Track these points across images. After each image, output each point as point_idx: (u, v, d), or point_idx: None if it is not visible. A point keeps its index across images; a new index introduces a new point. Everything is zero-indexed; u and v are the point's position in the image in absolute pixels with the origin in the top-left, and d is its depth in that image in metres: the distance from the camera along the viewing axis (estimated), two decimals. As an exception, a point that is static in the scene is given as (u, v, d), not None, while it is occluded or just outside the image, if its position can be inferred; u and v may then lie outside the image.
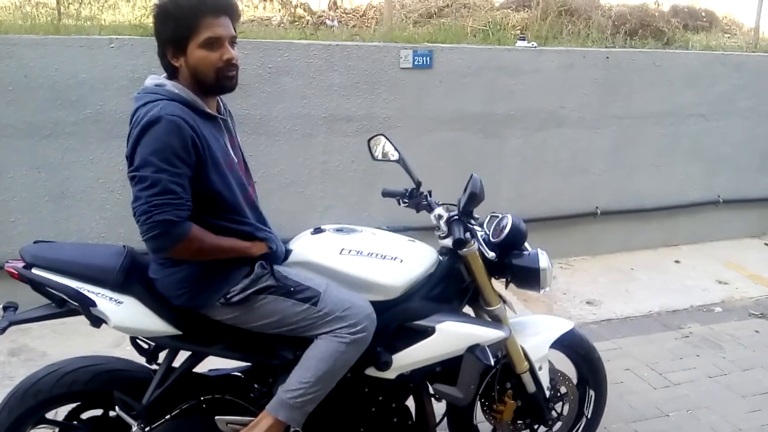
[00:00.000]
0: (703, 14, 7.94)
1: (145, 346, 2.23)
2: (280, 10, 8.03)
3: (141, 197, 1.83)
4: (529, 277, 2.35)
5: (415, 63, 4.49)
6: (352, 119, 4.45)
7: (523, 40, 5.04)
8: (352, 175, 4.52)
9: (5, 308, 2.04)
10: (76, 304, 1.96)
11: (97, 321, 2.02)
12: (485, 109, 4.81)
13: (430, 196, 2.47)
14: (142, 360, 2.24)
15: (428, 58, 4.51)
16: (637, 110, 5.29)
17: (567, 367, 2.70)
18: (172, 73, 2.01)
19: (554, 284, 4.83)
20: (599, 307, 4.49)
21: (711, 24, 7.94)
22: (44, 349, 3.63)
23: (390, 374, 2.21)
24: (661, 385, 3.51)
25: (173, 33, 1.94)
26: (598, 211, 5.35)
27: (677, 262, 5.40)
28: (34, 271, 1.98)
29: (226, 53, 1.95)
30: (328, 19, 7.38)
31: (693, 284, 4.94)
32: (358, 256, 2.19)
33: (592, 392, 2.73)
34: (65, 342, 3.59)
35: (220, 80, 1.97)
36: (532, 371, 2.49)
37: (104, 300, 1.98)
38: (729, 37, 7.53)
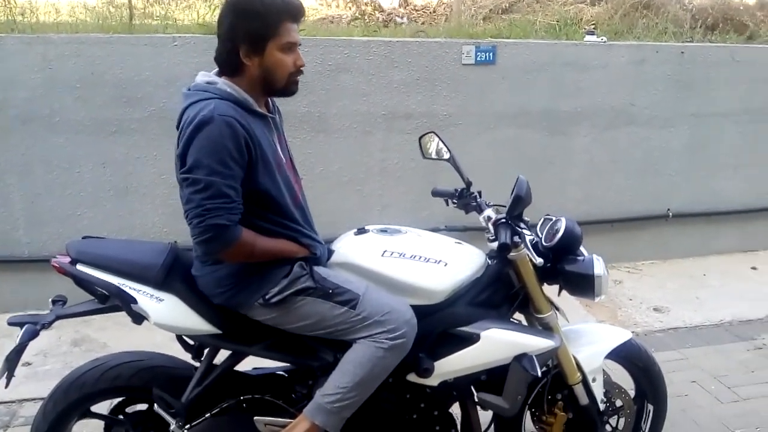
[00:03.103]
0: (793, 7, 7.49)
1: (191, 342, 2.23)
2: (350, 8, 8.06)
3: (194, 200, 1.82)
4: (582, 285, 2.23)
5: (478, 59, 4.38)
6: (412, 116, 4.38)
7: (592, 34, 4.85)
8: (411, 173, 4.45)
9: (54, 302, 2.08)
10: (117, 300, 1.98)
11: (138, 318, 2.04)
12: (551, 106, 4.66)
13: (480, 196, 2.38)
14: (188, 356, 2.26)
15: (491, 54, 4.40)
16: (714, 108, 5.01)
17: (625, 379, 2.57)
18: (235, 70, 1.97)
19: (620, 289, 4.64)
20: (667, 315, 4.28)
21: (802, 18, 7.49)
22: (105, 341, 3.73)
23: (432, 381, 2.14)
24: (728, 399, 3.31)
25: (255, 31, 1.91)
26: (670, 214, 5.10)
27: (754, 268, 5.09)
28: (78, 266, 2.01)
29: (299, 59, 1.99)
30: (398, 16, 7.36)
31: (771, 293, 4.65)
32: (401, 258, 2.14)
33: (650, 406, 2.60)
34: (127, 334, 3.63)
35: (290, 84, 2.01)
36: (585, 383, 2.37)
37: (145, 297, 2.00)
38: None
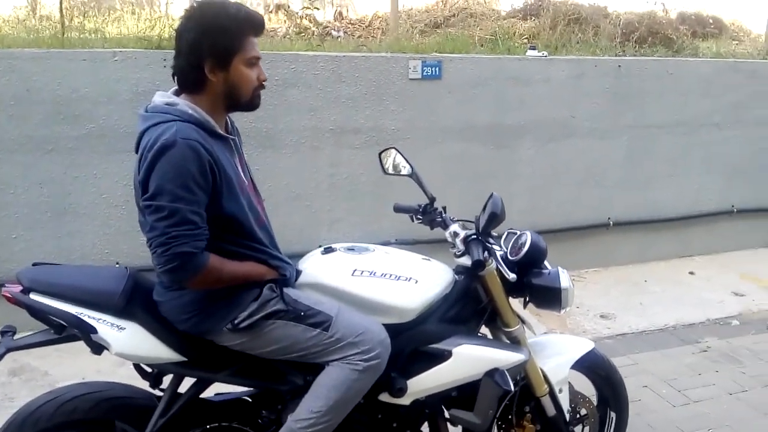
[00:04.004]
0: (711, 21, 7.87)
1: (149, 370, 2.13)
2: (285, 21, 7.98)
3: (158, 228, 1.74)
4: (549, 297, 2.26)
5: (424, 74, 4.41)
6: (360, 131, 4.36)
7: (534, 49, 4.96)
8: (361, 188, 4.43)
9: (3, 333, 1.95)
10: (76, 330, 1.87)
11: (98, 348, 1.93)
12: (495, 119, 4.73)
13: (445, 212, 2.37)
14: (145, 384, 2.16)
15: (437, 69, 4.43)
16: (649, 120, 5.19)
17: (586, 386, 2.60)
18: (198, 87, 1.90)
19: (567, 298, 4.72)
20: (614, 321, 4.38)
21: (720, 31, 7.86)
22: (46, 369, 3.54)
23: (404, 400, 2.11)
24: (680, 402, 3.40)
25: (221, 46, 1.86)
26: (611, 223, 5.25)
27: (692, 273, 5.28)
28: (32, 296, 1.89)
29: (261, 74, 1.96)
30: (334, 30, 7.33)
31: (709, 296, 4.82)
32: (371, 277, 2.10)
33: (613, 414, 2.64)
34: (68, 362, 3.50)
35: (254, 99, 1.97)
36: (552, 394, 2.39)
37: (105, 326, 1.89)
38: (737, 44, 7.46)
